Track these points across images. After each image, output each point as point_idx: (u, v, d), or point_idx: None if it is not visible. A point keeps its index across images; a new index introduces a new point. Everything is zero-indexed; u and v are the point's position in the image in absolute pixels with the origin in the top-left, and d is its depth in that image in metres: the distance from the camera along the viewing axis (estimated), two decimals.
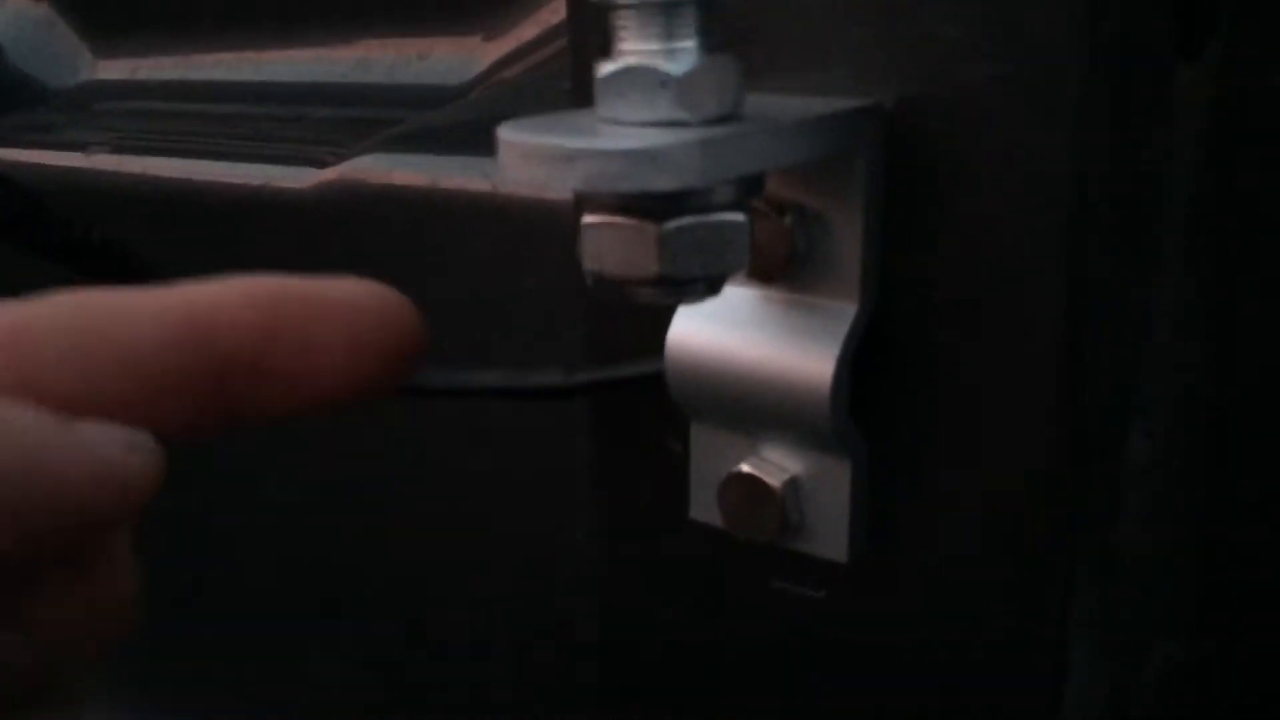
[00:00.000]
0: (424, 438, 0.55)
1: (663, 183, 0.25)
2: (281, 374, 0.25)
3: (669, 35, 0.27)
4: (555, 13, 0.59)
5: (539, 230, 0.48)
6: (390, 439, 0.56)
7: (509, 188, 0.49)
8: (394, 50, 0.65)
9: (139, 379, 0.24)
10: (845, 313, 0.32)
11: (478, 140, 0.53)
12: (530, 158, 0.26)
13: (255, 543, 0.65)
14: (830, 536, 0.34)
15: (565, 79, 0.38)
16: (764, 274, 0.33)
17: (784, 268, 0.32)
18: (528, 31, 0.62)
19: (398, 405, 0.51)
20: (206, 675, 0.71)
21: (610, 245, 0.28)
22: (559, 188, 0.25)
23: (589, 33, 0.36)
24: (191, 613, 0.70)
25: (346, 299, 0.26)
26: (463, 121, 0.57)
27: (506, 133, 0.26)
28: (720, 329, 0.34)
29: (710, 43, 0.27)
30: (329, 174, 0.57)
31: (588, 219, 0.28)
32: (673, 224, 0.27)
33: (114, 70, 0.82)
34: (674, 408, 0.35)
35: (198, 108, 0.73)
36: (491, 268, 0.50)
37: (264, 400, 0.25)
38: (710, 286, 0.28)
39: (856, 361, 0.32)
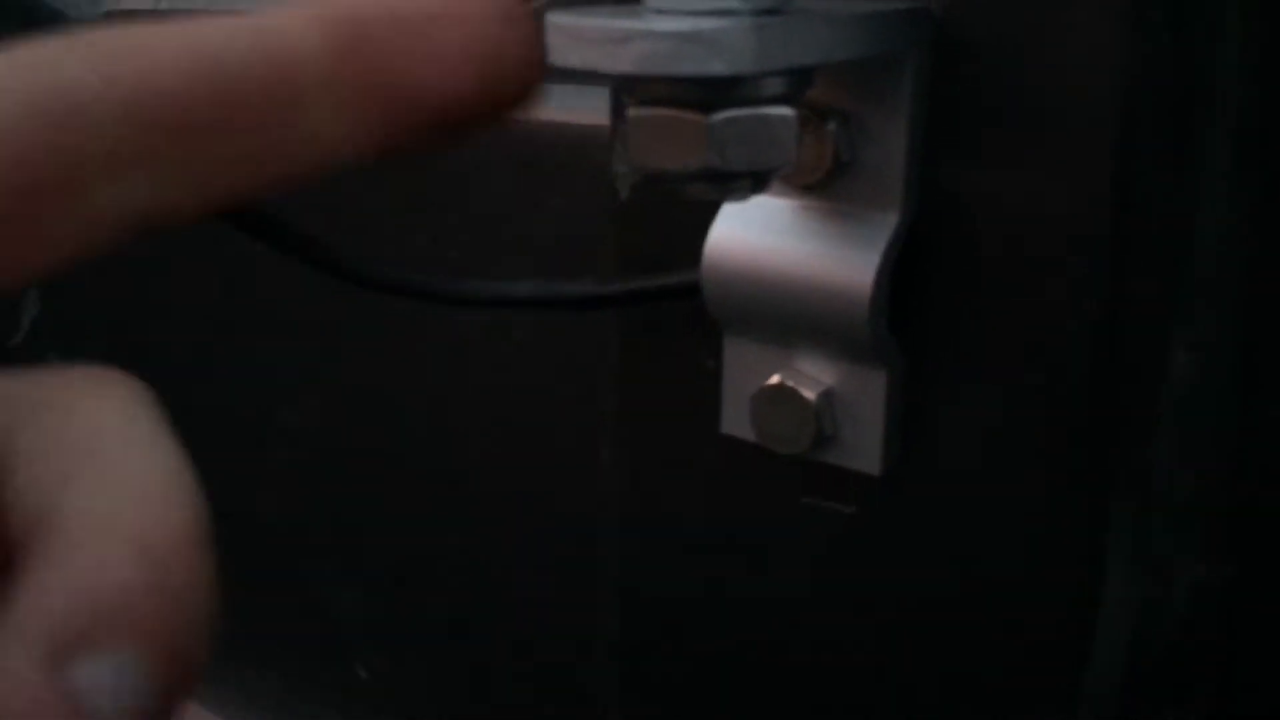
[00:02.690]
0: (447, 355, 0.55)
1: (717, 66, 0.25)
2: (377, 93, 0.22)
3: None
4: None
5: (567, 151, 0.48)
6: (413, 356, 0.56)
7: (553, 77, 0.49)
8: None
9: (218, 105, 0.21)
10: (886, 222, 0.32)
11: None
12: (582, 40, 0.25)
13: (270, 466, 0.65)
14: (864, 449, 0.34)
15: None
16: (805, 182, 0.33)
17: (825, 176, 0.32)
18: None
19: (423, 319, 0.51)
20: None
21: (657, 137, 0.27)
22: (610, 69, 0.25)
23: None
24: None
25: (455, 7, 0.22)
26: None
27: (556, 17, 0.26)
28: (759, 238, 0.33)
29: None
30: None
31: (633, 111, 0.28)
32: (721, 115, 0.27)
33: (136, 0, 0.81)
34: (706, 321, 0.35)
35: None
36: (518, 187, 0.50)
37: (355, 127, 0.22)
38: (756, 183, 0.28)
39: (895, 272, 0.32)
